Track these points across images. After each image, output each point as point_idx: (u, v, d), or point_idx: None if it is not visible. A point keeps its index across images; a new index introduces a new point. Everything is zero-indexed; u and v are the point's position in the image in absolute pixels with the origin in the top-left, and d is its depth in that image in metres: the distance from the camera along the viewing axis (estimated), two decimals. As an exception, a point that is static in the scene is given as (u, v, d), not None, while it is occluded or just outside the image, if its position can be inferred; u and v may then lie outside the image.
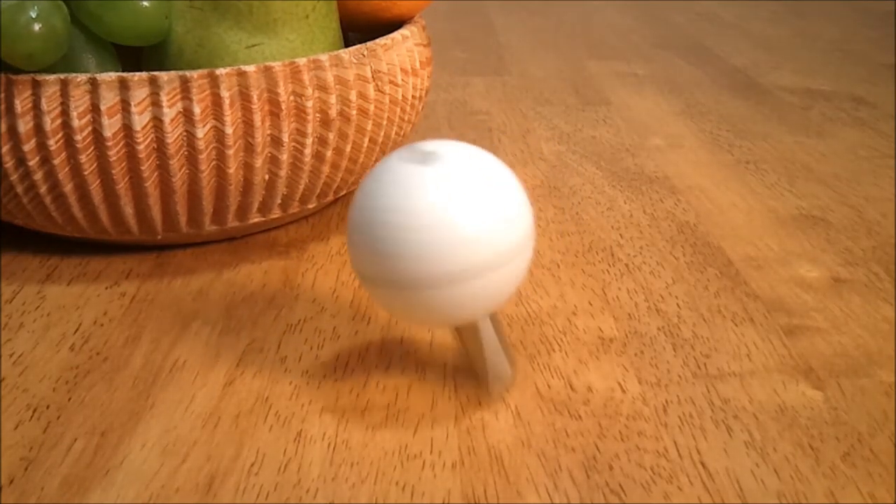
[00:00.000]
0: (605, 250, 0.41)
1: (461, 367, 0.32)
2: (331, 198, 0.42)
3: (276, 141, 0.36)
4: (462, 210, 0.27)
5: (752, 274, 0.39)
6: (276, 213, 0.40)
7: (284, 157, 0.37)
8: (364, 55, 0.38)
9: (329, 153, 0.38)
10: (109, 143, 0.34)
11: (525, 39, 0.82)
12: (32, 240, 0.41)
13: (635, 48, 0.79)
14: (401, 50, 0.40)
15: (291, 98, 0.36)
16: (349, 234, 0.29)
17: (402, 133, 0.42)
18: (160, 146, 0.35)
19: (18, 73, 0.34)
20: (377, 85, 0.39)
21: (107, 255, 0.40)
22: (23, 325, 0.34)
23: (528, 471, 0.27)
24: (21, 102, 0.34)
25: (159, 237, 0.39)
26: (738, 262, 0.40)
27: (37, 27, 0.33)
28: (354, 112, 0.38)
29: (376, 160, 0.42)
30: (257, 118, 0.36)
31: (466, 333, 0.30)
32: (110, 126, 0.34)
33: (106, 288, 0.37)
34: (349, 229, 0.28)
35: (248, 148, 0.36)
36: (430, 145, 0.28)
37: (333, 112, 0.37)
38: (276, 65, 0.35)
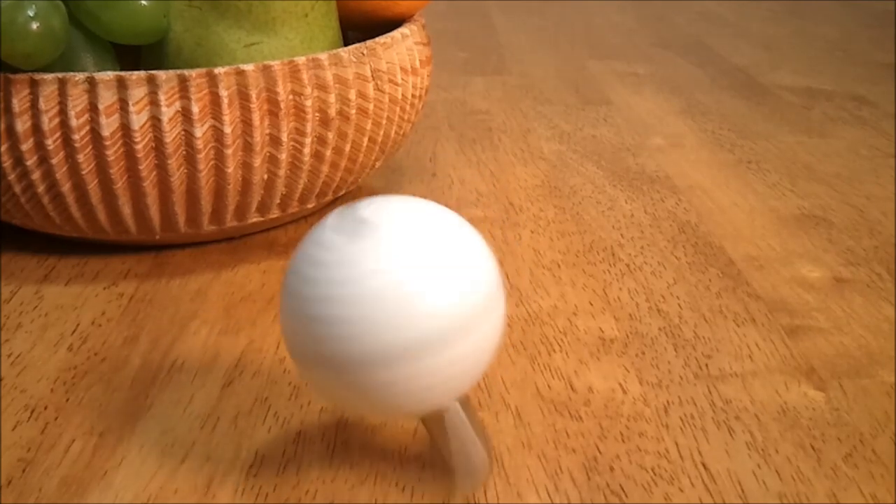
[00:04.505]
0: (606, 250, 0.41)
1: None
2: (330, 197, 0.42)
3: (274, 140, 0.36)
4: (407, 276, 0.23)
5: (754, 274, 0.39)
6: (274, 213, 0.40)
7: (283, 156, 0.37)
8: (363, 54, 0.38)
9: (328, 152, 0.38)
10: (107, 143, 0.34)
11: (525, 39, 0.82)
12: (30, 239, 0.41)
13: (635, 48, 0.79)
14: (400, 49, 0.40)
15: (290, 97, 0.36)
16: (281, 320, 0.25)
17: (401, 132, 0.42)
18: (158, 145, 0.35)
19: (16, 72, 0.34)
20: (377, 84, 0.39)
21: (105, 255, 0.40)
22: (20, 326, 0.34)
23: (529, 472, 0.27)
24: (19, 101, 0.33)
25: (157, 237, 0.39)
26: (740, 262, 0.40)
27: (35, 26, 0.33)
28: (354, 111, 0.38)
29: (376, 159, 0.42)
30: (256, 117, 0.35)
31: (431, 422, 0.26)
32: (108, 125, 0.34)
33: (104, 288, 0.37)
34: (281, 315, 0.25)
35: (247, 147, 0.36)
36: (366, 209, 0.24)
37: (332, 111, 0.37)
38: (275, 64, 0.35)
